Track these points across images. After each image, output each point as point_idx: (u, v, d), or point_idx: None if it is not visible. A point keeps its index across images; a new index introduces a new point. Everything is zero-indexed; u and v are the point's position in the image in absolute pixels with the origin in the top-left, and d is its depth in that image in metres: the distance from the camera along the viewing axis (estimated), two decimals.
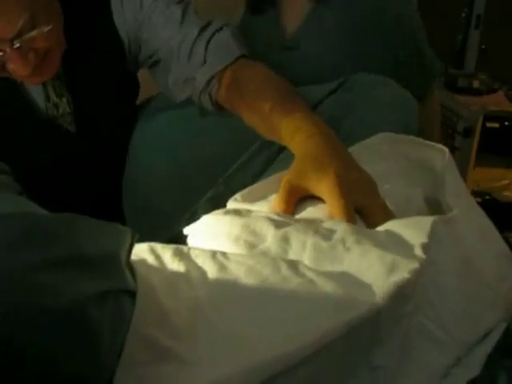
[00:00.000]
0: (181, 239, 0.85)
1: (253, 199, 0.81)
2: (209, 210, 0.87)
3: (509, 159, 2.40)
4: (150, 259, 0.65)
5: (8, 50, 0.83)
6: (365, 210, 0.74)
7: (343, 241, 0.64)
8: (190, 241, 0.77)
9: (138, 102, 1.20)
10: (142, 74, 1.15)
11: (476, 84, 2.26)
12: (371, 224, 0.72)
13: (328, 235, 0.66)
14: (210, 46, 1.03)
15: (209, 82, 1.03)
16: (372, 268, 0.59)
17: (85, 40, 1.03)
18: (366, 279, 0.58)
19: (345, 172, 0.75)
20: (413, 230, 0.64)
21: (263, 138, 0.98)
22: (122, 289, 0.51)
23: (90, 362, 0.45)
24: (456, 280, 0.62)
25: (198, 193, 0.99)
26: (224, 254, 0.65)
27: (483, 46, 1.98)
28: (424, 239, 0.61)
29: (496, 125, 2.27)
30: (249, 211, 0.77)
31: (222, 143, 1.06)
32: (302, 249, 0.65)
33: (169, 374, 0.49)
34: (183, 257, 0.65)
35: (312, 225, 0.69)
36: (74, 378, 0.44)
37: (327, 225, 0.69)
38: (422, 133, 1.65)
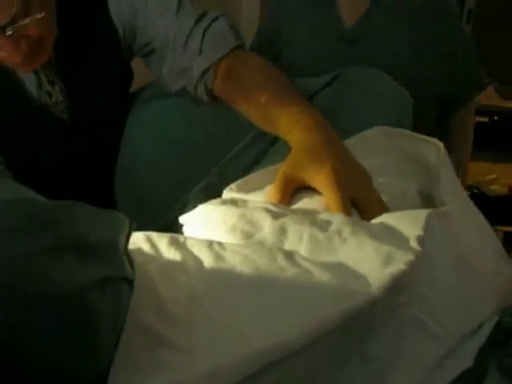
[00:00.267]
0: (174, 228, 0.85)
1: (248, 189, 0.81)
2: (201, 199, 0.88)
3: (497, 154, 2.42)
4: (146, 248, 0.65)
5: (0, 37, 0.83)
6: (360, 203, 0.75)
7: (339, 232, 0.64)
8: (185, 230, 0.77)
9: (131, 90, 1.19)
10: (136, 63, 1.14)
11: None
12: (366, 217, 0.73)
13: (324, 226, 0.66)
14: (205, 36, 1.02)
15: (204, 73, 1.03)
16: (368, 259, 0.59)
17: (78, 28, 1.02)
18: (361, 270, 0.58)
19: (341, 166, 0.76)
20: (408, 222, 0.65)
21: (257, 129, 0.98)
22: (121, 276, 0.51)
23: (91, 348, 0.45)
24: (451, 273, 0.63)
25: (190, 182, 0.98)
26: (220, 243, 0.65)
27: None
28: (419, 232, 0.62)
29: (486, 119, 2.29)
30: (245, 201, 0.77)
31: (216, 133, 1.06)
32: (299, 240, 0.65)
33: (165, 360, 0.49)
34: (179, 246, 0.65)
35: (308, 216, 0.70)
36: (75, 364, 0.44)
37: (324, 216, 0.70)
38: (457, 138, 1.70)
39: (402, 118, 0.95)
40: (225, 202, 0.76)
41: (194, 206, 0.80)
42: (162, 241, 0.66)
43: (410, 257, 0.58)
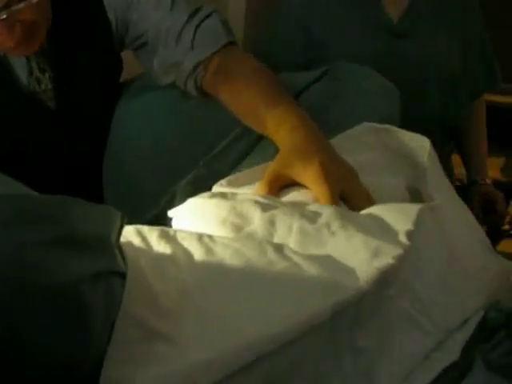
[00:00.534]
0: (162, 221, 0.85)
1: (238, 185, 0.82)
2: (189, 192, 0.88)
3: None
4: (137, 241, 0.65)
5: None
6: (348, 196, 0.76)
7: (328, 225, 0.65)
8: (174, 223, 0.78)
9: (120, 81, 1.18)
10: (126, 55, 1.14)
11: None
12: (355, 210, 0.74)
13: (313, 218, 0.67)
14: (198, 32, 1.03)
15: (195, 68, 1.03)
16: (356, 253, 0.60)
17: (71, 17, 1.02)
18: (350, 263, 0.59)
19: (328, 161, 0.78)
20: (399, 216, 0.66)
21: (244, 124, 0.99)
22: (113, 270, 0.51)
23: (85, 342, 0.46)
24: (440, 268, 0.64)
25: (178, 174, 0.99)
26: (210, 236, 0.65)
27: None
28: (409, 226, 0.63)
29: None
30: (234, 194, 0.78)
31: (204, 126, 1.06)
32: (288, 232, 0.66)
33: (158, 352, 0.50)
34: (169, 239, 0.65)
35: (298, 208, 0.71)
36: (70, 357, 0.45)
37: (313, 207, 0.71)
38: (475, 128, 1.71)
39: (393, 114, 0.96)
40: (214, 196, 0.76)
41: (182, 199, 0.81)
42: (152, 234, 0.66)
43: (399, 251, 0.59)
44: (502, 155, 2.55)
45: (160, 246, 0.64)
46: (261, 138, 0.98)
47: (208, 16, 1.04)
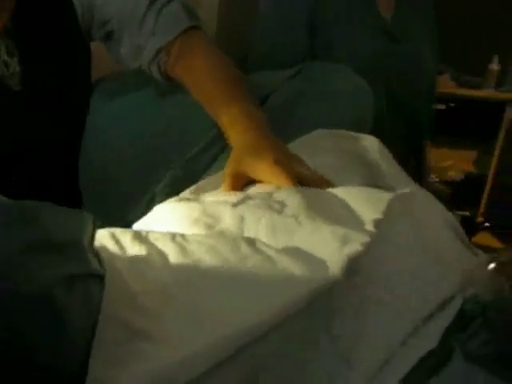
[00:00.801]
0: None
1: (203, 192, 0.84)
2: (167, 194, 0.88)
3: (454, 140, 2.47)
4: (111, 245, 0.65)
5: None
6: (306, 182, 0.79)
7: (295, 216, 0.67)
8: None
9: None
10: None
11: None
12: None
13: (280, 209, 0.69)
14: (160, 17, 1.04)
15: (158, 53, 1.04)
16: (325, 242, 0.62)
17: (38, 3, 1.02)
18: (320, 253, 0.61)
19: (281, 155, 0.81)
20: (367, 204, 0.68)
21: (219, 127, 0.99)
22: (89, 273, 0.52)
23: (62, 345, 0.46)
24: (413, 255, 0.66)
25: (156, 176, 0.99)
26: (183, 235, 0.66)
27: None
28: (377, 215, 0.65)
29: (443, 106, 2.33)
30: (200, 197, 0.80)
31: (181, 127, 1.06)
32: (257, 225, 0.68)
33: (142, 351, 0.51)
34: (143, 240, 0.66)
35: (265, 200, 0.72)
36: (48, 362, 0.45)
37: (278, 196, 0.72)
38: None
39: (365, 115, 0.97)
40: (182, 199, 0.78)
41: (161, 200, 0.81)
42: (125, 236, 0.67)
43: (366, 238, 0.61)
44: (474, 149, 2.59)
45: (134, 248, 0.64)
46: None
47: (170, 0, 1.04)
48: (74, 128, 1.10)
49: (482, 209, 2.59)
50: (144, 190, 1.00)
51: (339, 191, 0.74)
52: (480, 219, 2.59)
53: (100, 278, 0.53)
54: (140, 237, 0.66)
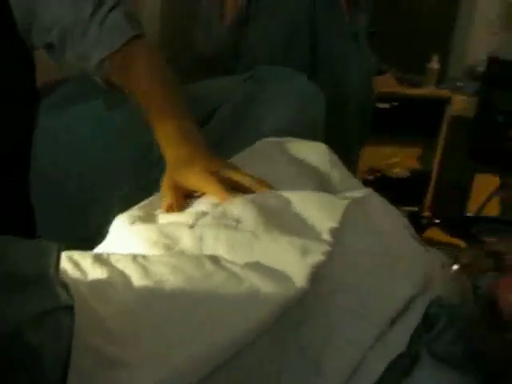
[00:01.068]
0: (98, 237, 0.84)
1: (151, 209, 0.83)
2: (122, 209, 0.87)
3: (399, 138, 2.52)
4: (70, 268, 0.64)
5: None
6: (240, 186, 0.80)
7: (252, 231, 0.67)
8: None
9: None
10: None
11: None
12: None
13: (236, 225, 0.69)
14: (103, 25, 1.02)
15: (101, 63, 1.02)
16: (285, 254, 0.62)
17: None
18: (282, 266, 0.61)
19: (212, 163, 0.83)
20: (322, 212, 0.69)
21: None
22: (58, 306, 0.51)
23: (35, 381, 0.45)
24: (373, 258, 0.67)
25: (109, 188, 0.97)
26: (144, 256, 0.65)
27: (371, 29, 2.06)
28: (332, 224, 0.66)
29: (386, 105, 2.37)
30: (154, 216, 0.79)
31: (131, 139, 1.05)
32: (216, 243, 0.67)
33: (115, 379, 0.50)
34: (103, 263, 0.65)
35: (220, 218, 0.72)
36: None
37: (233, 213, 0.72)
38: None
39: (316, 119, 0.97)
40: (135, 220, 0.77)
41: (115, 214, 0.79)
42: (85, 259, 0.65)
43: (326, 247, 0.62)
44: (418, 145, 2.65)
45: (95, 271, 0.63)
46: None
47: (112, 9, 1.03)
48: (18, 140, 1.07)
49: (427, 204, 2.66)
50: (98, 204, 0.98)
51: (294, 197, 0.74)
52: (427, 214, 2.66)
53: (69, 308, 0.52)
54: (100, 259, 0.65)
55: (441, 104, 2.52)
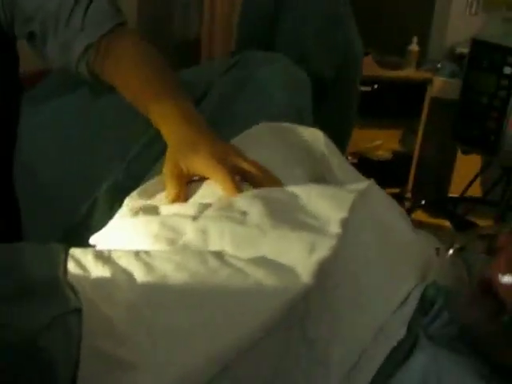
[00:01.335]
0: (83, 230, 0.83)
1: (149, 196, 0.82)
2: (110, 198, 0.86)
3: (381, 121, 2.54)
4: (71, 266, 0.62)
5: None
6: (247, 175, 0.78)
7: (259, 226, 0.66)
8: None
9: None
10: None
11: None
12: (259, 186, 0.77)
13: (242, 219, 0.68)
14: (87, 13, 1.00)
15: (86, 49, 1.01)
16: (292, 250, 0.62)
17: None
18: (289, 262, 0.60)
19: (217, 147, 0.80)
20: (331, 204, 0.68)
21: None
22: (68, 310, 0.51)
23: None
24: (376, 250, 0.67)
25: (96, 180, 0.96)
26: (147, 252, 0.65)
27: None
28: (343, 214, 0.65)
29: (368, 88, 2.38)
30: (155, 208, 0.77)
31: (117, 129, 1.03)
32: (221, 238, 0.66)
33: (124, 381, 0.50)
34: (106, 260, 0.64)
35: (226, 210, 0.70)
36: None
37: (239, 206, 0.70)
38: None
39: (304, 105, 0.97)
40: (136, 213, 0.75)
41: (103, 205, 0.78)
42: (86, 257, 0.64)
43: (333, 242, 0.61)
44: (400, 127, 2.66)
45: (98, 269, 0.62)
46: None
47: None
48: (1, 132, 1.06)
49: (410, 186, 2.68)
50: (85, 195, 0.97)
51: (300, 190, 0.73)
52: (408, 195, 2.68)
53: (77, 310, 0.52)
54: (102, 256, 0.64)
55: (421, 86, 2.53)
